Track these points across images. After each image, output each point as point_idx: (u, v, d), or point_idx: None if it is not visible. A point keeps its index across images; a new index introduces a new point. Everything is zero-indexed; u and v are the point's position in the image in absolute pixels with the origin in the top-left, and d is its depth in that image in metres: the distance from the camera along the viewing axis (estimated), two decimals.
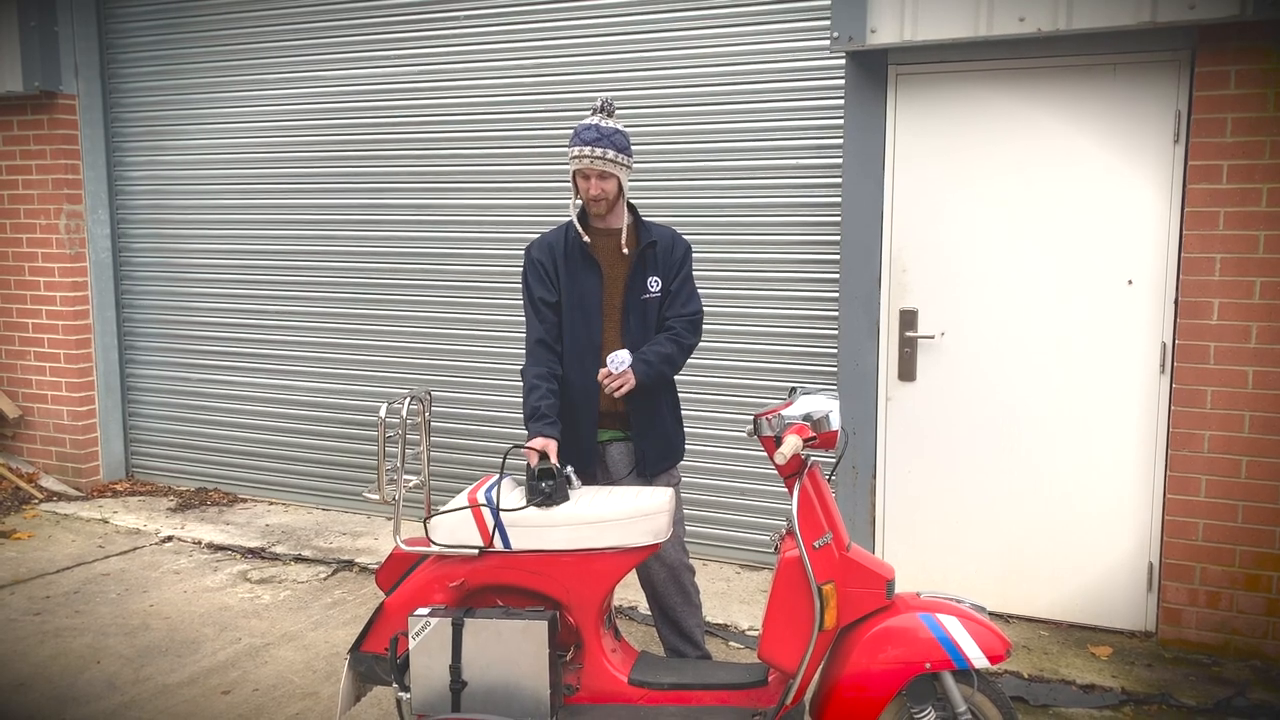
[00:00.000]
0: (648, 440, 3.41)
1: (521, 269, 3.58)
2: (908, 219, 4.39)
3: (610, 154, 3.26)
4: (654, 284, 3.40)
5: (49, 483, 6.49)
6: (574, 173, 3.34)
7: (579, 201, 3.43)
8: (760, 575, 4.88)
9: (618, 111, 5.02)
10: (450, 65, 5.44)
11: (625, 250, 3.40)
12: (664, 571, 3.47)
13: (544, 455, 2.98)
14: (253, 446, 6.28)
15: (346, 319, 5.90)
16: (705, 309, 4.88)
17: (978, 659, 2.69)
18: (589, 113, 3.85)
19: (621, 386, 3.25)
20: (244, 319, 6.22)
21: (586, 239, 3.38)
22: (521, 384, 3.43)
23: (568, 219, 3.47)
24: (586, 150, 3.26)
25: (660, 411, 3.45)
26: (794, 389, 2.92)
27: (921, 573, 4.52)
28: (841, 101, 4.57)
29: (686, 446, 4.98)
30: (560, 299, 3.41)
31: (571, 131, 3.42)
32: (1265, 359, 3.85)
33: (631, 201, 3.50)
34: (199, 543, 5.46)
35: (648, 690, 2.93)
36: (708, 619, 4.32)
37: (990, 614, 4.40)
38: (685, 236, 4.83)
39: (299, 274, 6.00)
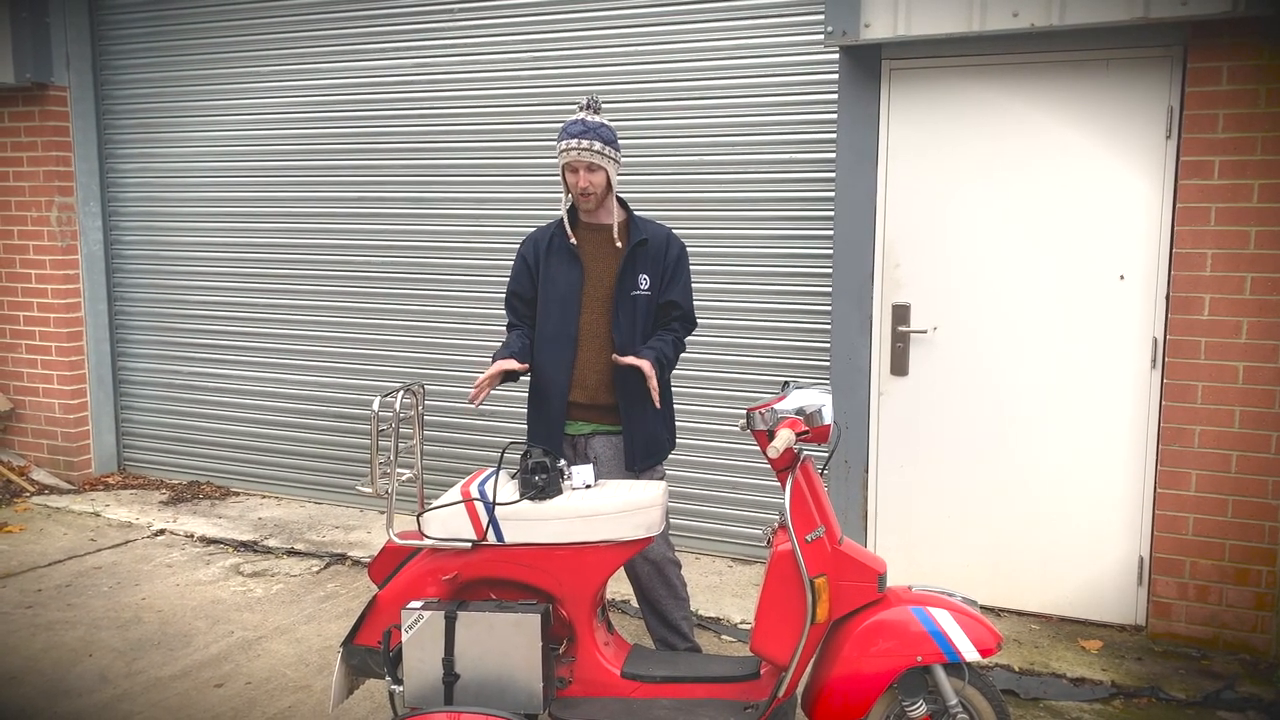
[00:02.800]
0: (638, 435, 3.42)
1: None
2: (901, 214, 4.40)
3: (597, 145, 3.30)
4: (644, 281, 3.42)
5: (40, 476, 6.47)
6: (563, 168, 3.37)
7: (569, 198, 3.45)
8: (753, 569, 4.90)
9: (608, 107, 5.03)
10: (443, 59, 5.42)
11: (618, 244, 3.42)
12: (648, 566, 3.49)
13: (545, 451, 2.97)
14: (245, 440, 6.27)
15: (340, 312, 5.89)
16: (698, 303, 4.90)
17: (969, 652, 2.70)
18: (576, 109, 3.87)
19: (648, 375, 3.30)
20: (236, 312, 6.20)
21: (573, 240, 3.42)
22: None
23: (563, 213, 3.49)
24: (574, 143, 3.29)
25: (649, 407, 3.46)
26: (787, 383, 2.93)
27: (913, 567, 4.54)
28: (835, 96, 4.57)
29: (680, 440, 5.03)
30: (536, 294, 3.49)
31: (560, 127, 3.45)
32: (1256, 354, 3.87)
33: (623, 197, 3.52)
34: (191, 536, 5.46)
35: (640, 683, 2.94)
36: (700, 612, 4.33)
37: (981, 608, 4.42)
38: (679, 231, 4.87)
39: (292, 267, 5.99)
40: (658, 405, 3.30)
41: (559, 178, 5.19)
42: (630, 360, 3.27)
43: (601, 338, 3.42)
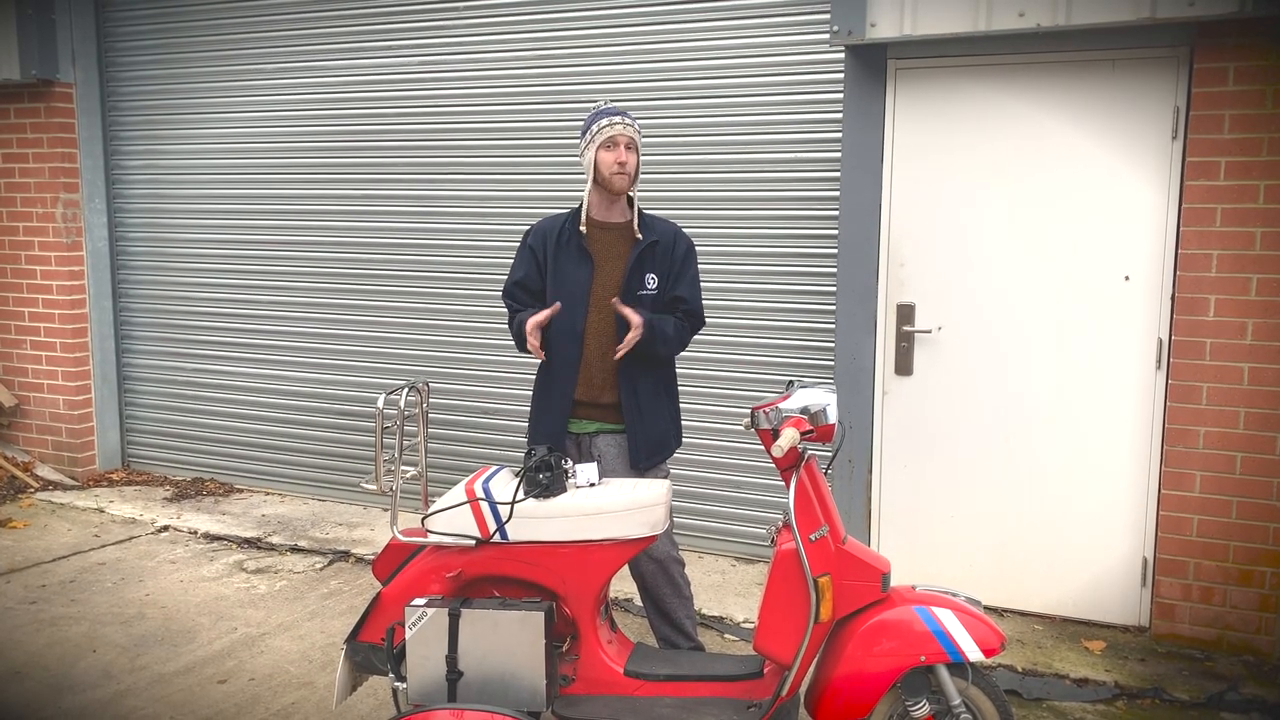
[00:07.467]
0: (640, 434, 3.42)
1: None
2: (906, 213, 4.39)
3: (635, 125, 3.41)
4: (651, 280, 3.43)
5: (45, 472, 6.48)
6: (597, 149, 3.37)
7: (591, 186, 3.45)
8: (756, 568, 4.90)
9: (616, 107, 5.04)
10: (447, 56, 5.43)
11: (637, 237, 3.43)
12: (653, 565, 3.49)
13: (549, 449, 2.97)
14: (249, 437, 6.28)
15: (344, 309, 5.89)
16: (704, 301, 4.90)
17: (972, 652, 2.70)
18: (592, 105, 3.91)
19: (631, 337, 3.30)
20: (241, 309, 6.21)
21: (583, 229, 3.42)
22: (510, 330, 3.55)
23: (567, 209, 3.49)
24: (616, 119, 3.38)
25: (654, 405, 3.45)
26: (791, 382, 2.93)
27: (916, 566, 4.54)
28: (840, 96, 4.56)
29: (685, 439, 5.03)
30: (544, 286, 3.48)
31: (583, 122, 3.47)
32: (1261, 355, 3.86)
33: (631, 196, 3.52)
34: (195, 532, 5.47)
35: (643, 681, 2.94)
36: (704, 611, 4.34)
37: (985, 608, 4.42)
38: (684, 230, 4.87)
39: (296, 264, 6.00)
40: (615, 358, 3.32)
41: (561, 173, 5.20)
42: (627, 311, 3.27)
43: (607, 336, 3.42)
